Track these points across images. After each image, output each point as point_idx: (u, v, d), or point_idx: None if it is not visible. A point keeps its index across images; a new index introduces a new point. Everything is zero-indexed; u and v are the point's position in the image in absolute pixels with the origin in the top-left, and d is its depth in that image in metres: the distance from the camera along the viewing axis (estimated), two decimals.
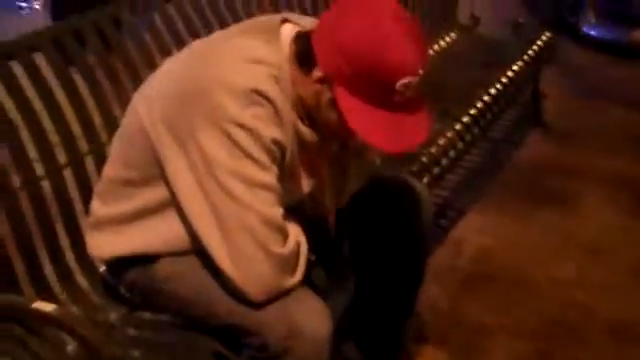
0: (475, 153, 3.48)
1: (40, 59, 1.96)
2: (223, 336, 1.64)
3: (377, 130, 1.52)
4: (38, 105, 1.92)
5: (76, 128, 2.00)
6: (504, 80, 3.14)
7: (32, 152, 1.88)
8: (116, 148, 1.74)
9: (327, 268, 1.87)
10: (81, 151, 2.00)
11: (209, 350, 1.66)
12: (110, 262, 1.81)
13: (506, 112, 3.51)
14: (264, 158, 1.52)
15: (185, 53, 1.71)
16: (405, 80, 1.48)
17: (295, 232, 1.63)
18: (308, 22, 1.64)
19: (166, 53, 2.21)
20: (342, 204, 1.86)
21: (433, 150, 2.57)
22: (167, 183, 1.60)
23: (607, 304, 2.62)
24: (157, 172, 1.60)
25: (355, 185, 1.88)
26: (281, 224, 1.56)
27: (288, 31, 1.62)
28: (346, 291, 2.10)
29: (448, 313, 2.56)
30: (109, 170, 1.75)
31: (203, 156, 1.51)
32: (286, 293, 1.58)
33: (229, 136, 1.49)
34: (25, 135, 1.88)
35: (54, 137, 1.95)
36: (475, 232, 2.99)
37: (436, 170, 2.52)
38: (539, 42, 3.55)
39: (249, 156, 1.50)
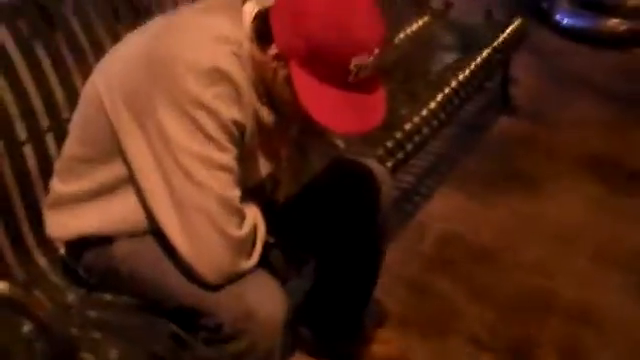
0: (443, 138, 3.49)
1: (2, 31, 1.93)
2: (180, 318, 1.64)
3: (329, 109, 1.52)
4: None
5: (37, 103, 1.98)
6: (473, 66, 3.15)
7: None
8: (74, 125, 1.73)
9: (286, 251, 1.87)
10: (42, 127, 1.98)
11: (166, 332, 1.66)
12: (68, 243, 1.80)
13: (475, 97, 3.53)
14: (223, 139, 1.52)
15: (147, 29, 1.69)
16: (360, 58, 1.48)
17: (252, 215, 1.63)
18: (270, 0, 1.63)
19: (131, 28, 2.18)
20: (300, 186, 1.85)
21: (398, 135, 2.57)
22: (125, 161, 1.59)
23: (569, 289, 2.65)
24: (115, 150, 1.60)
25: (316, 167, 1.89)
26: (238, 206, 1.56)
27: (250, 9, 1.61)
28: (305, 275, 2.10)
29: (410, 297, 2.58)
30: (68, 146, 1.74)
31: (162, 135, 1.50)
32: (242, 275, 1.58)
33: (189, 116, 1.48)
34: None
35: (14, 110, 1.92)
36: (440, 216, 3.01)
37: (400, 155, 2.52)
38: (510, 28, 3.56)
39: (208, 137, 1.50)
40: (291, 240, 1.89)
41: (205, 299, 1.57)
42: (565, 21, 4.86)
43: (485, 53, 3.29)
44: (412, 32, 3.65)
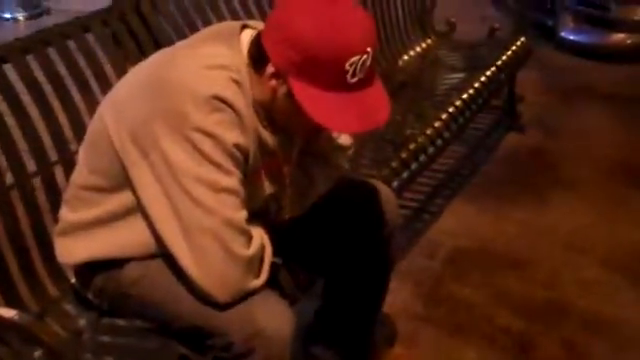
0: (451, 156, 3.53)
1: (10, 70, 1.99)
2: (189, 339, 1.67)
3: (335, 114, 1.54)
4: (7, 114, 1.94)
5: (46, 137, 2.02)
6: (477, 85, 3.18)
7: (1, 160, 1.91)
8: (83, 155, 1.77)
9: (294, 272, 1.89)
10: (50, 160, 2.02)
11: (176, 354, 1.69)
12: (78, 269, 1.83)
13: (481, 116, 3.56)
14: (227, 163, 1.55)
15: (149, 61, 1.74)
16: (354, 58, 1.50)
17: (259, 235, 1.65)
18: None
19: (135, 62, 2.23)
20: (307, 208, 1.88)
21: (404, 155, 2.60)
22: (132, 190, 1.62)
23: (582, 299, 2.65)
24: (122, 178, 1.63)
25: (322, 189, 1.91)
26: (245, 227, 1.59)
27: (247, 36, 1.65)
28: (314, 294, 2.12)
29: (421, 315, 2.58)
30: (76, 176, 1.78)
31: (167, 163, 1.54)
32: (251, 295, 1.60)
33: (192, 143, 1.52)
34: None
35: (23, 145, 1.97)
36: (449, 233, 3.03)
37: (406, 174, 2.55)
38: (514, 47, 3.59)
39: (212, 162, 1.53)
40: (299, 260, 1.91)
41: (214, 319, 1.59)
42: (570, 37, 4.89)
43: (489, 72, 3.32)
44: (417, 53, 3.70)
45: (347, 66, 1.51)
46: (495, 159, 3.65)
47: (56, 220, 1.86)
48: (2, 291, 1.87)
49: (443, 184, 3.40)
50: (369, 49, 1.53)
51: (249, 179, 1.66)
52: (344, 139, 1.92)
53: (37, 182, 1.99)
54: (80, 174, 1.76)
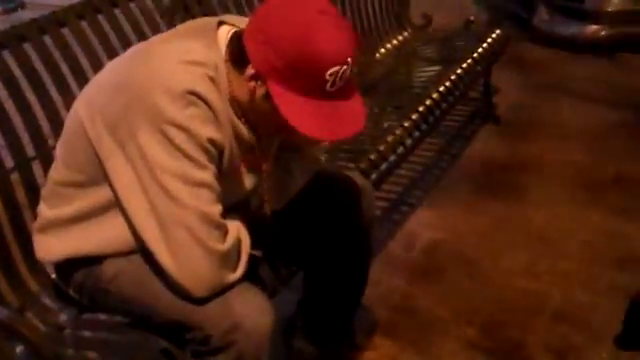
0: (429, 148, 3.56)
1: None
2: (169, 333, 1.68)
3: (311, 120, 1.56)
4: None
5: (22, 133, 2.02)
6: (453, 77, 3.20)
7: None
8: (60, 150, 1.77)
9: (274, 264, 1.91)
10: (28, 155, 2.02)
11: (157, 348, 1.69)
12: (58, 265, 1.83)
13: (457, 108, 3.59)
14: (201, 157, 1.56)
15: (126, 56, 1.75)
16: (334, 69, 1.52)
17: (235, 228, 1.66)
18: (244, 23, 1.68)
19: (113, 56, 2.23)
20: (286, 201, 1.89)
21: (381, 147, 2.62)
22: (110, 184, 1.63)
23: (557, 290, 2.68)
24: (99, 173, 1.64)
25: (300, 183, 1.93)
26: (219, 221, 1.60)
27: (224, 32, 1.66)
28: (294, 286, 2.14)
29: (400, 305, 2.61)
30: (53, 172, 1.78)
31: (142, 156, 1.54)
32: (228, 289, 1.61)
33: (167, 136, 1.53)
34: None
35: (0, 141, 1.97)
36: (426, 225, 3.06)
37: (384, 166, 2.56)
38: (489, 39, 3.62)
39: (186, 156, 1.54)
40: (279, 253, 1.93)
41: (193, 313, 1.60)
42: (545, 29, 4.93)
43: (465, 64, 3.35)
44: (393, 47, 3.72)
45: (327, 75, 1.52)
46: (471, 151, 3.68)
47: (35, 216, 1.86)
48: None
49: (420, 176, 3.42)
50: (349, 60, 1.54)
51: (229, 174, 1.67)
52: None
53: (15, 178, 1.98)
54: (57, 170, 1.77)
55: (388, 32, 3.74)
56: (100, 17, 2.35)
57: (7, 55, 2.04)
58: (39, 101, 2.10)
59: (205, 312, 1.59)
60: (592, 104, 4.15)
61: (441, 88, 3.09)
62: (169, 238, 1.55)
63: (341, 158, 2.58)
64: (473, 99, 3.93)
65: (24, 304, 1.91)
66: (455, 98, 3.16)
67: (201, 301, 1.59)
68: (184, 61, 1.59)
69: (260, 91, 1.59)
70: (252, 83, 1.59)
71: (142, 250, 1.64)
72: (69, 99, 2.10)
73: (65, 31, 2.23)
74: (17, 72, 2.05)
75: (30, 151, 2.04)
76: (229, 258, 1.62)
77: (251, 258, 1.70)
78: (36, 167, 2.03)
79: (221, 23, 1.69)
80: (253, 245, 1.72)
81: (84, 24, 2.29)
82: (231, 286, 1.62)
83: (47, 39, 2.17)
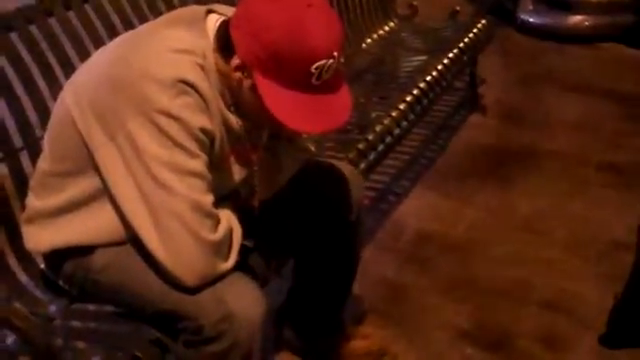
0: (415, 138, 3.56)
1: None
2: (160, 322, 1.67)
3: (297, 113, 1.56)
4: None
5: (10, 123, 2.00)
6: (440, 67, 3.21)
7: None
8: (47, 141, 1.76)
9: (265, 254, 1.91)
10: (15, 146, 2.00)
11: (148, 337, 1.69)
12: (47, 255, 1.83)
13: (444, 97, 3.60)
14: (193, 146, 1.56)
15: (113, 45, 1.74)
16: (320, 63, 1.52)
17: (227, 218, 1.66)
18: (232, 12, 1.68)
19: (100, 46, 2.21)
20: (275, 191, 1.89)
21: (370, 137, 2.62)
22: (99, 173, 1.62)
23: (543, 278, 2.70)
24: (88, 162, 1.63)
25: (290, 173, 1.93)
26: (211, 210, 1.59)
27: (213, 21, 1.66)
28: (285, 276, 2.14)
29: (389, 294, 2.62)
30: (41, 163, 1.77)
31: (133, 145, 1.54)
32: (220, 278, 1.61)
33: (158, 125, 1.52)
34: None
35: None
36: (414, 215, 3.07)
37: (372, 156, 2.57)
38: (475, 29, 3.63)
39: (178, 145, 1.54)
40: (269, 242, 1.92)
41: (184, 303, 1.60)
42: (530, 19, 4.95)
43: (452, 54, 3.35)
44: (380, 37, 3.72)
45: (312, 69, 1.52)
46: (458, 141, 3.69)
47: (23, 207, 1.85)
48: None
49: (407, 167, 3.43)
50: (335, 53, 1.54)
51: (218, 164, 1.67)
52: None
53: (3, 168, 1.96)
54: (45, 160, 1.76)
55: (374, 22, 3.74)
56: (87, 7, 2.33)
57: None
58: (26, 91, 2.08)
59: (197, 302, 1.59)
60: (576, 94, 4.18)
61: (428, 78, 3.09)
62: (160, 227, 1.54)
63: (329, 148, 2.58)
64: (459, 89, 3.95)
65: (13, 295, 1.89)
66: (442, 88, 3.17)
67: (193, 291, 1.59)
68: (173, 49, 1.58)
69: (246, 82, 1.59)
70: (238, 74, 1.59)
71: (133, 240, 1.64)
72: (56, 89, 2.08)
73: (52, 21, 2.21)
74: (3, 61, 2.03)
75: (17, 141, 2.02)
76: (221, 247, 1.61)
77: (242, 248, 1.69)
78: (24, 158, 2.01)
79: (209, 12, 1.69)
80: (244, 235, 1.71)
81: (71, 14, 2.27)
82: (223, 276, 1.62)
83: (33, 29, 2.15)
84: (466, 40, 3.52)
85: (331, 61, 1.53)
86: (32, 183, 1.81)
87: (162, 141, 1.53)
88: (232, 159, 1.75)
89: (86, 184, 1.67)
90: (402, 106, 2.87)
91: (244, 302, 1.61)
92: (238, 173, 1.78)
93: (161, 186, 1.53)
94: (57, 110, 1.73)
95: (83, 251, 1.73)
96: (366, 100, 3.01)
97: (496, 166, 3.46)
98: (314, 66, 1.52)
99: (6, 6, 2.14)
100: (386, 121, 2.75)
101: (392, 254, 2.83)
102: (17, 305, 1.82)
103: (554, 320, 2.50)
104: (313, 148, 2.08)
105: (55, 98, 2.05)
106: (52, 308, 1.86)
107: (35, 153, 1.96)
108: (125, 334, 1.73)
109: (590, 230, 2.98)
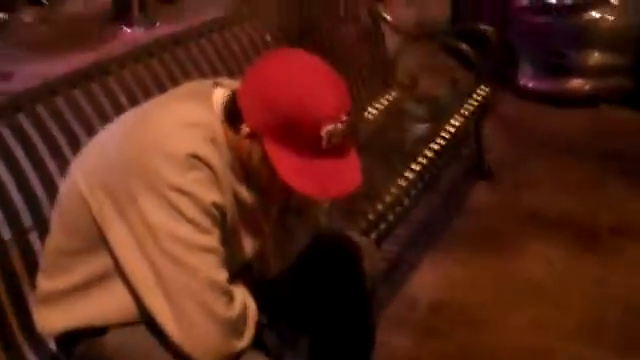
0: (425, 206, 3.54)
1: None
2: None
3: (309, 179, 1.54)
4: None
5: (19, 202, 1.98)
6: (445, 135, 3.22)
7: None
8: (55, 219, 1.74)
9: (278, 330, 1.86)
10: (25, 225, 1.98)
11: None
12: (59, 336, 1.77)
13: (452, 165, 3.60)
14: (205, 222, 1.53)
15: (121, 121, 1.73)
16: (329, 127, 1.51)
17: (242, 294, 1.63)
18: (238, 85, 1.67)
19: (107, 123, 2.21)
20: (287, 264, 1.86)
21: (379, 207, 2.61)
22: (110, 252, 1.59)
23: (564, 344, 2.65)
24: (99, 241, 1.60)
25: (301, 245, 1.90)
26: (226, 287, 1.56)
27: (220, 94, 1.65)
28: (300, 353, 2.09)
29: None
30: (50, 242, 1.74)
31: (144, 222, 1.51)
32: (236, 357, 1.57)
33: (169, 201, 1.50)
34: None
35: None
36: (428, 284, 3.03)
37: (383, 226, 2.55)
38: (476, 96, 3.66)
39: (190, 221, 1.51)
40: (283, 318, 1.88)
41: None
42: (530, 85, 4.99)
43: (455, 122, 3.37)
44: (382, 106, 3.74)
45: (323, 133, 1.51)
46: (466, 208, 3.68)
47: (33, 287, 1.81)
48: None
49: (417, 235, 3.40)
50: (344, 117, 1.54)
51: (229, 238, 1.64)
52: None
53: (13, 248, 1.93)
54: (53, 238, 1.73)
55: (375, 92, 3.76)
56: (93, 85, 2.33)
57: (2, 126, 2.02)
58: (34, 169, 2.07)
59: None
60: (579, 156, 4.18)
61: (434, 146, 3.10)
62: (175, 306, 1.51)
63: (339, 219, 2.56)
64: (465, 157, 3.95)
65: None
66: (449, 155, 3.18)
67: None
68: (183, 123, 1.57)
69: (256, 150, 1.58)
70: (248, 142, 1.58)
71: (147, 320, 1.60)
72: (64, 166, 2.07)
73: (58, 100, 2.21)
74: (12, 141, 2.03)
75: (27, 221, 1.99)
76: (237, 325, 1.58)
77: (256, 324, 1.65)
78: (32, 237, 1.98)
79: (216, 85, 1.69)
80: (257, 310, 1.67)
81: (77, 92, 2.28)
82: (239, 354, 1.57)
83: (40, 108, 2.15)
84: (468, 107, 3.54)
85: (340, 125, 1.52)
86: (41, 263, 1.78)
87: (174, 217, 1.50)
88: (243, 232, 1.72)
89: (97, 263, 1.63)
90: (410, 175, 2.86)
91: None
92: (249, 246, 1.75)
93: (174, 263, 1.50)
94: (66, 188, 1.71)
95: (96, 332, 1.68)
96: (373, 170, 2.99)
97: (507, 231, 3.44)
98: (324, 130, 1.51)
99: None
100: (394, 190, 2.74)
101: (407, 327, 2.77)
102: None
103: None
104: (323, 219, 2.05)
105: (62, 175, 2.04)
106: None
107: (44, 232, 1.94)
108: None
109: (605, 293, 2.93)
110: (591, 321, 2.78)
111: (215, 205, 1.55)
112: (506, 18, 5.11)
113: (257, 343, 1.66)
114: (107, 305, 1.66)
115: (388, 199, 2.66)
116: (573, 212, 3.58)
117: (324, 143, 1.52)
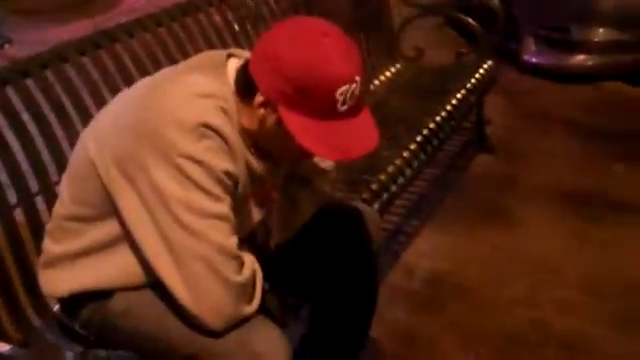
0: (426, 178, 3.56)
1: None
2: None
3: (325, 142, 1.55)
4: None
5: (25, 167, 2.00)
6: (448, 108, 3.23)
7: None
8: (66, 185, 1.75)
9: (281, 297, 1.89)
10: (31, 191, 2.00)
11: None
12: (64, 300, 1.80)
13: (453, 138, 3.60)
14: (217, 190, 1.55)
15: (133, 90, 1.74)
16: (344, 88, 1.52)
17: (251, 260, 1.65)
18: (249, 54, 1.68)
19: (115, 91, 2.22)
20: (292, 234, 1.88)
21: (382, 177, 2.62)
22: (119, 218, 1.61)
23: (560, 319, 2.68)
24: (109, 207, 1.62)
25: (306, 214, 1.92)
26: (236, 253, 1.58)
27: (233, 65, 1.66)
28: (301, 319, 2.11)
29: (403, 336, 2.59)
30: (59, 207, 1.75)
31: (155, 190, 1.53)
32: (244, 321, 1.59)
33: (181, 169, 1.52)
34: None
35: (3, 176, 1.95)
36: (426, 255, 3.05)
37: (385, 196, 2.57)
38: (481, 70, 3.66)
39: (201, 188, 1.53)
40: (286, 285, 1.91)
41: (210, 347, 1.57)
42: (533, 60, 4.97)
43: (459, 95, 3.37)
44: (387, 78, 3.74)
45: (337, 95, 1.52)
46: (466, 181, 3.70)
47: (39, 251, 1.83)
48: None
49: (417, 207, 3.42)
50: (358, 78, 1.55)
51: (239, 206, 1.65)
52: (327, 163, 1.93)
53: (18, 213, 1.95)
54: (63, 204, 1.74)
55: (380, 65, 3.76)
56: (101, 52, 2.34)
57: (10, 91, 2.03)
58: (41, 135, 2.08)
59: (222, 345, 1.57)
60: (582, 132, 4.18)
61: (437, 118, 3.11)
62: (185, 272, 1.53)
63: (342, 189, 2.58)
64: (466, 129, 3.95)
65: (27, 340, 1.88)
66: (451, 128, 3.18)
67: (218, 334, 1.56)
68: (195, 94, 1.58)
69: (271, 118, 1.59)
70: (262, 110, 1.59)
71: (154, 284, 1.62)
72: (71, 133, 2.10)
73: (67, 66, 2.23)
74: (20, 106, 2.04)
75: (33, 186, 2.01)
76: (246, 290, 1.60)
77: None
78: (39, 202, 2.01)
79: (230, 56, 1.69)
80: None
81: (85, 59, 2.29)
82: (247, 319, 1.60)
83: (49, 74, 2.16)
84: (472, 81, 3.54)
85: (354, 85, 1.53)
86: (49, 227, 1.80)
87: (186, 185, 1.52)
88: (251, 201, 1.74)
89: (107, 228, 1.65)
90: (413, 146, 2.87)
91: (271, 345, 1.59)
92: (256, 215, 1.77)
93: (185, 230, 1.52)
94: (77, 156, 1.72)
95: (101, 295, 1.71)
96: None
97: (506, 205, 3.45)
98: (338, 92, 1.52)
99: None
100: (397, 161, 2.75)
101: (404, 296, 2.80)
102: (32, 352, 1.80)
103: None
104: (329, 189, 2.07)
105: (70, 142, 2.06)
106: (67, 354, 1.83)
107: (50, 197, 1.96)
108: None
109: (606, 271, 2.95)
110: (589, 296, 2.80)
111: (227, 173, 1.57)
112: None
113: (260, 309, 1.67)
114: (114, 269, 1.68)
115: (390, 169, 2.68)
116: (574, 186, 3.60)
117: (339, 105, 1.53)
